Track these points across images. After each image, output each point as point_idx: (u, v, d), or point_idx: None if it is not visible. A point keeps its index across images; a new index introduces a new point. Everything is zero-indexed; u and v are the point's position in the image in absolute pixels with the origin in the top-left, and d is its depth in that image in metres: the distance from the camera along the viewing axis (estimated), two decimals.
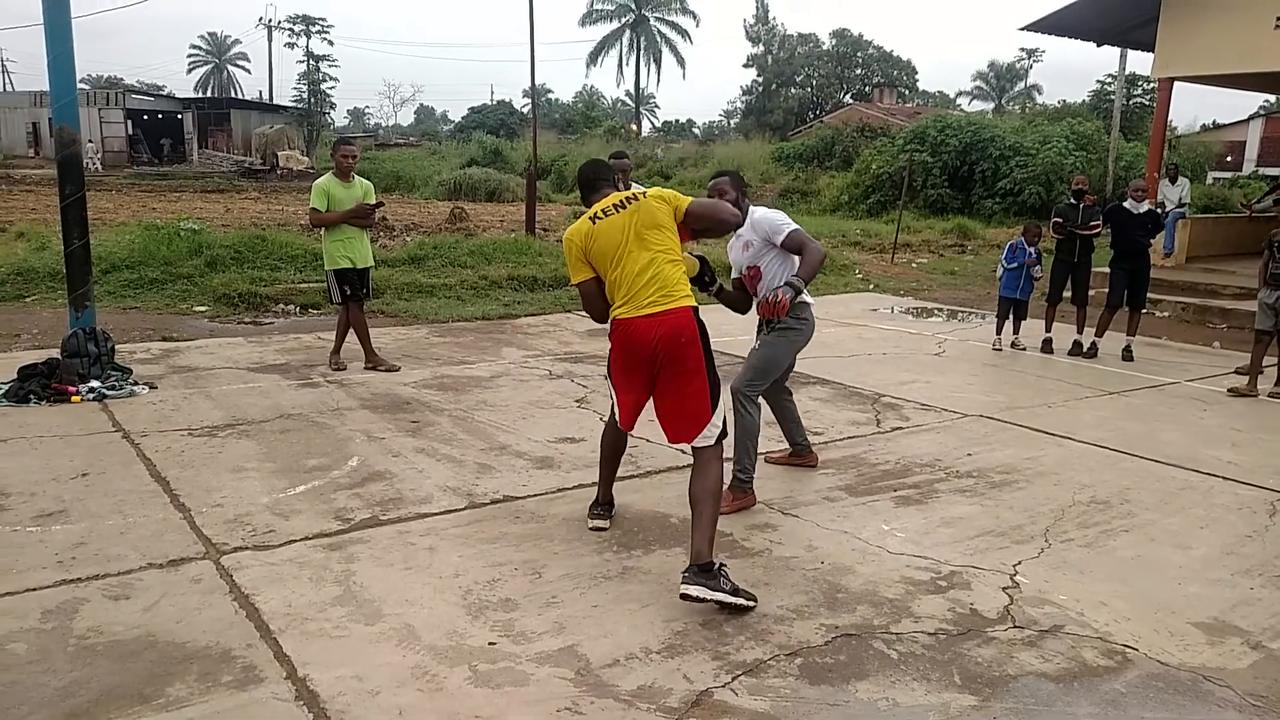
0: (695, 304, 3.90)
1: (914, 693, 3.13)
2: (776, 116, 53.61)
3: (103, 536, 4.15)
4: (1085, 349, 8.99)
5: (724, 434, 3.88)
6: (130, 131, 47.03)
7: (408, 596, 3.68)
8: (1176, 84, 14.16)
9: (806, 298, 4.74)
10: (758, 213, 4.80)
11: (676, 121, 70.72)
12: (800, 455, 5.39)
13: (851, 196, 26.19)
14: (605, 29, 62.36)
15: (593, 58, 63.38)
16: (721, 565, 3.68)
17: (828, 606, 3.72)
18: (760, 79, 57.68)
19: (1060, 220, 8.97)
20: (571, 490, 4.92)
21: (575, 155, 35.52)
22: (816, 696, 3.09)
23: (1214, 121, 42.61)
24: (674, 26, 62.62)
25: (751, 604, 3.65)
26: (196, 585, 3.72)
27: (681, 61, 63.99)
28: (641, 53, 62.46)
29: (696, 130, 68.88)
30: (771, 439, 5.34)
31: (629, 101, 66.52)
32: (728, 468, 4.25)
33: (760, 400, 4.89)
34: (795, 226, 4.71)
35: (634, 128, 53.88)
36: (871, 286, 13.99)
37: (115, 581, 3.73)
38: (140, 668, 3.13)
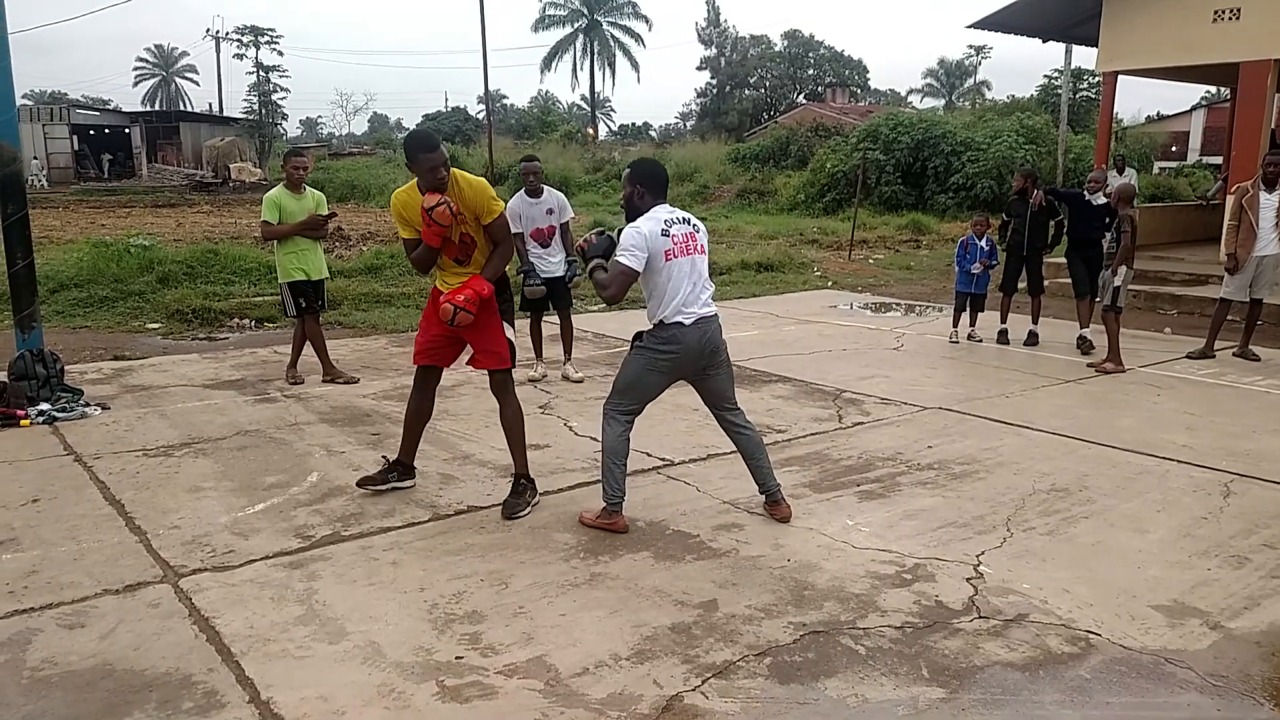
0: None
1: (883, 688, 3.14)
2: (731, 118, 53.88)
3: (55, 564, 4.05)
4: (1080, 345, 8.88)
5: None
6: (76, 147, 46.09)
7: (372, 613, 3.63)
8: (1120, 77, 14.45)
9: (683, 317, 4.32)
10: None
11: (633, 125, 70.97)
12: (771, 504, 4.66)
13: (808, 195, 26.44)
14: (558, 34, 62.29)
15: (546, 63, 63.29)
16: (521, 479, 4.78)
17: (795, 604, 3.73)
18: (714, 81, 57.95)
19: (1008, 219, 9.12)
20: (537, 497, 4.89)
21: None
22: (786, 696, 3.09)
23: (1158, 113, 43.49)
24: (627, 30, 62.71)
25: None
26: (154, 610, 3.64)
27: (635, 65, 64.05)
28: (595, 57, 62.42)
29: (653, 133, 69.10)
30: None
31: (584, 106, 66.52)
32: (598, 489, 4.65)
33: (626, 419, 4.49)
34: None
35: (590, 132, 53.81)
36: (830, 284, 14.10)
37: (69, 610, 3.64)
38: (97, 698, 3.05)
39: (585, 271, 4.51)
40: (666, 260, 4.30)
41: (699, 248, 4.45)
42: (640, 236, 4.27)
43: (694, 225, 4.49)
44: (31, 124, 43.43)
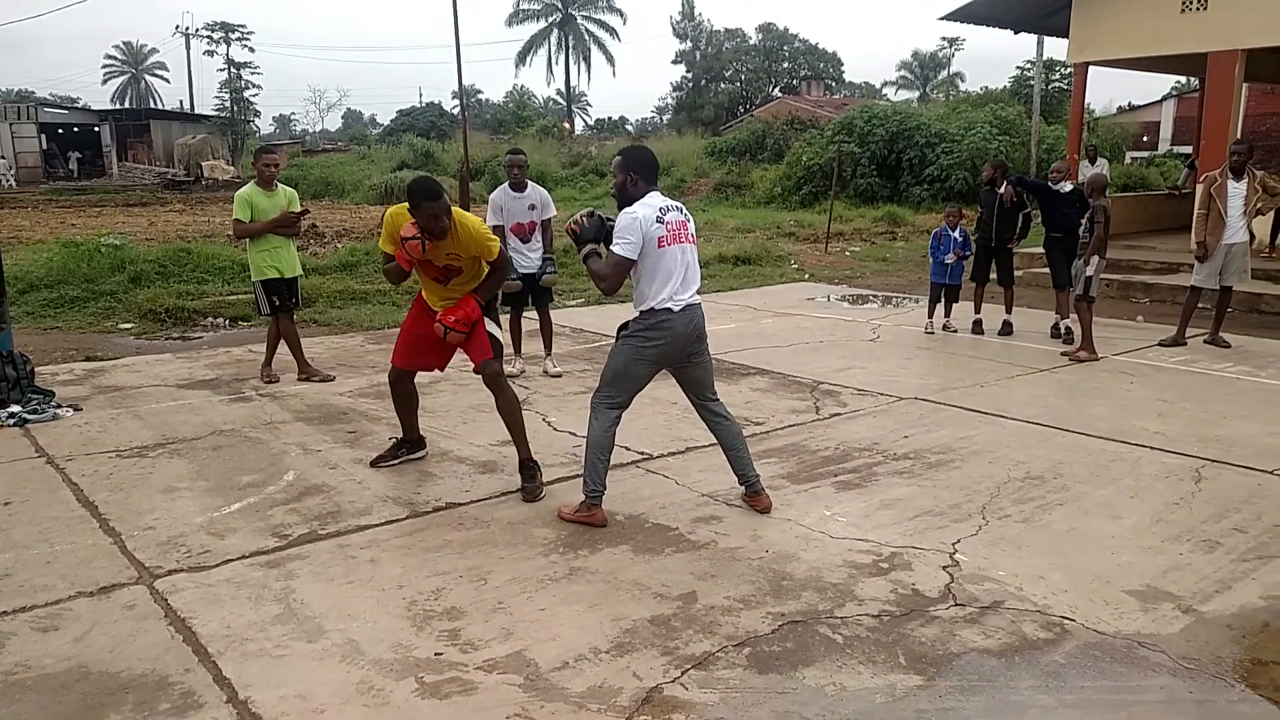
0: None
1: (860, 676, 3.17)
2: (707, 112, 53.97)
3: (28, 567, 4.00)
4: (1060, 333, 8.91)
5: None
6: (45, 146, 45.46)
7: (350, 611, 3.61)
8: (1091, 68, 14.57)
9: (673, 304, 4.33)
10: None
11: (609, 119, 70.71)
12: (751, 494, 4.68)
13: (784, 188, 26.50)
14: (533, 28, 62.07)
15: (521, 57, 63.04)
16: (528, 463, 4.89)
17: (774, 595, 3.74)
18: (689, 75, 58.04)
19: (983, 209, 9.19)
20: (515, 493, 4.88)
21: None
22: (765, 685, 3.11)
23: (1129, 103, 43.84)
24: (601, 24, 62.59)
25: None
26: (129, 611, 3.61)
27: (611, 59, 64.02)
28: (570, 51, 62.26)
29: (630, 127, 68.96)
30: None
31: (560, 100, 66.35)
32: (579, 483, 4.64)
33: (613, 413, 4.49)
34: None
35: (567, 126, 53.66)
36: (807, 276, 14.15)
37: (43, 613, 3.60)
38: (72, 701, 3.02)
39: (580, 257, 4.51)
40: (660, 247, 4.30)
41: (689, 236, 4.47)
42: (635, 222, 4.26)
43: (686, 214, 4.52)
44: None
